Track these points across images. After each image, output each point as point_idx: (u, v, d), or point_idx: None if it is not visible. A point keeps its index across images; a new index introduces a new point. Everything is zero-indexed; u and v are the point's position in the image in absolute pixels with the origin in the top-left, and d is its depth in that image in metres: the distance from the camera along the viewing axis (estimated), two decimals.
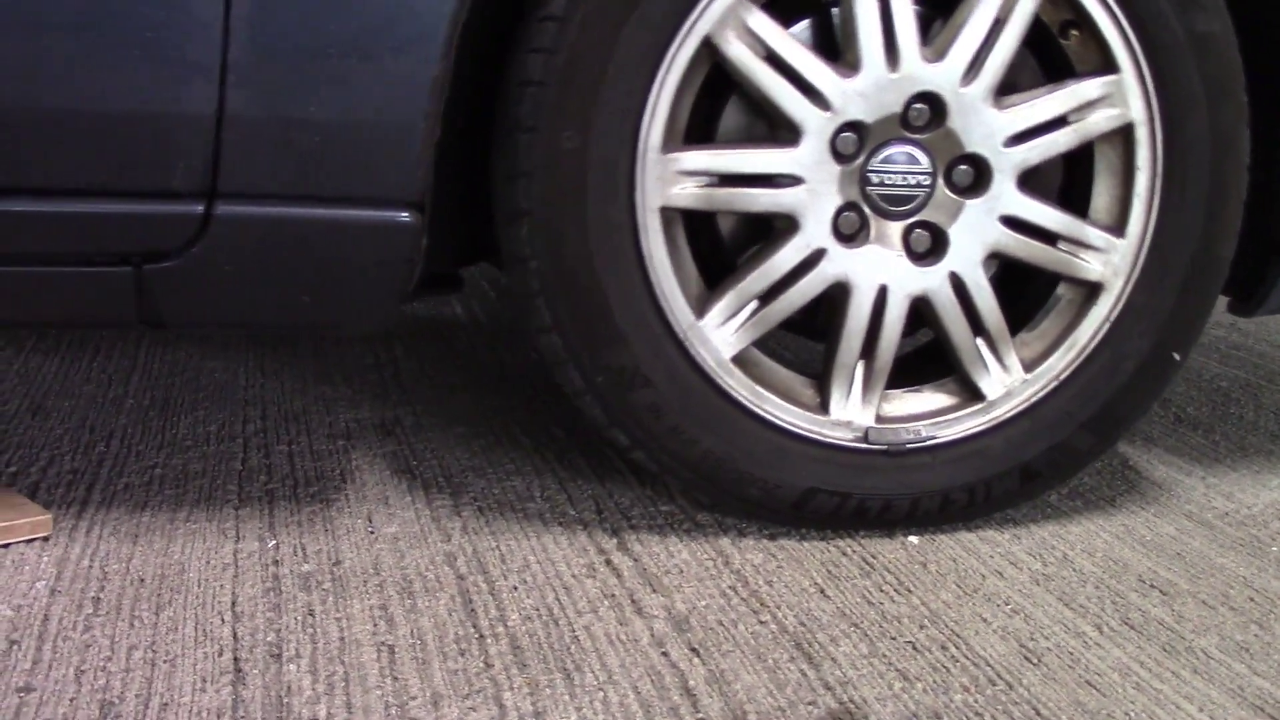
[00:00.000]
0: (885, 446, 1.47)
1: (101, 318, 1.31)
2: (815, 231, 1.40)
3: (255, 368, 2.05)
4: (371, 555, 1.40)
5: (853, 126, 1.38)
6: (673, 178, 1.36)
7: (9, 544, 1.39)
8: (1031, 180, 1.45)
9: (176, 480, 1.59)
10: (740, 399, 1.43)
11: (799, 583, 1.38)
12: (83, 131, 1.19)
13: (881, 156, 1.40)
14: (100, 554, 1.38)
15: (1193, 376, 2.22)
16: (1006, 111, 1.41)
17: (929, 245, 1.44)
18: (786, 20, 1.39)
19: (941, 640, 1.27)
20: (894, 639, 1.27)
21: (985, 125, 1.41)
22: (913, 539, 1.50)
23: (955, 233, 1.43)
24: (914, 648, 1.25)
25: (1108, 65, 1.43)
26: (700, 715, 1.12)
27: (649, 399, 1.40)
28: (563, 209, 1.33)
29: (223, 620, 1.25)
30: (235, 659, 1.18)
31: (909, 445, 1.48)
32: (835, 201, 1.40)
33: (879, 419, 1.48)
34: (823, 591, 1.36)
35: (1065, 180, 1.52)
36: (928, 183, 1.42)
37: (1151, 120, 1.44)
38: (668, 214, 1.38)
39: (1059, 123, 1.43)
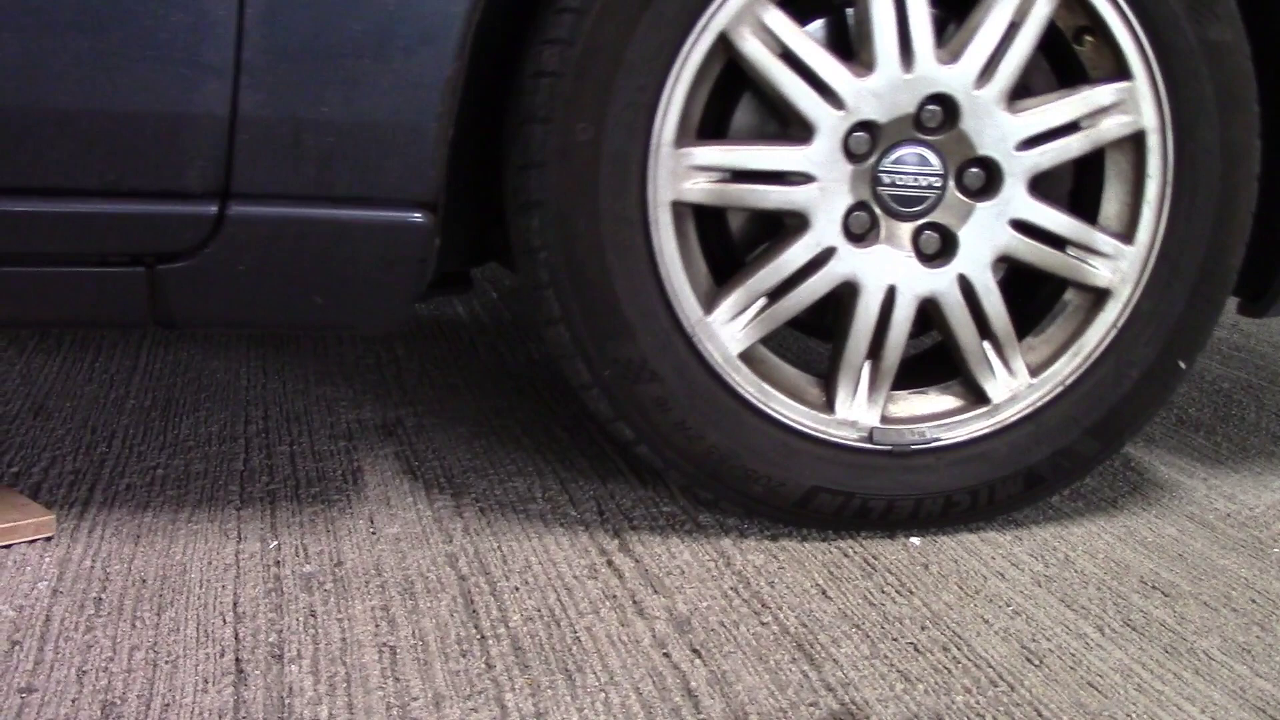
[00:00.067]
0: (890, 447, 1.47)
1: (114, 318, 1.32)
2: (825, 230, 1.40)
3: (257, 368, 2.05)
4: (373, 556, 1.40)
5: (865, 126, 1.38)
6: (685, 172, 1.36)
7: (11, 544, 1.39)
8: (1042, 185, 1.45)
9: (178, 481, 1.59)
10: (747, 395, 1.43)
11: (801, 584, 1.38)
12: (97, 132, 1.19)
13: (893, 157, 1.40)
14: (102, 555, 1.38)
15: (1194, 378, 2.22)
16: (1019, 115, 1.41)
17: (938, 247, 1.44)
18: (801, 19, 1.39)
19: (943, 641, 1.27)
20: (896, 640, 1.27)
21: (998, 128, 1.41)
22: (914, 540, 1.50)
23: (965, 235, 1.43)
24: (916, 649, 1.25)
25: (1121, 72, 1.43)
26: (702, 716, 1.12)
27: (655, 393, 1.40)
28: (574, 200, 1.34)
29: (224, 621, 1.25)
30: (237, 660, 1.18)
31: (913, 447, 1.48)
32: (846, 200, 1.40)
33: (884, 419, 1.48)
34: (824, 593, 1.36)
35: (1075, 186, 1.53)
36: (939, 184, 1.42)
37: (1163, 127, 1.44)
38: (679, 209, 1.38)
39: (1071, 128, 1.43)
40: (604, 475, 1.66)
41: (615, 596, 1.33)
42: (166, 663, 1.17)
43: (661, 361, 1.39)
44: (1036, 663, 1.24)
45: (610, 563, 1.41)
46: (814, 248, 1.40)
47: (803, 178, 1.38)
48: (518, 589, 1.34)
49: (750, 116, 1.44)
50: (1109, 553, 1.50)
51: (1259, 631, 1.32)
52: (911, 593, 1.37)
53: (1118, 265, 1.47)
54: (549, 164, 1.32)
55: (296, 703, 1.11)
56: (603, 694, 1.15)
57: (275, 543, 1.42)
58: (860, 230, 1.42)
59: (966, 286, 1.45)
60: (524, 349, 2.24)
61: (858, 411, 1.47)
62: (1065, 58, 1.47)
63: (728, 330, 1.41)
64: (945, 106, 1.40)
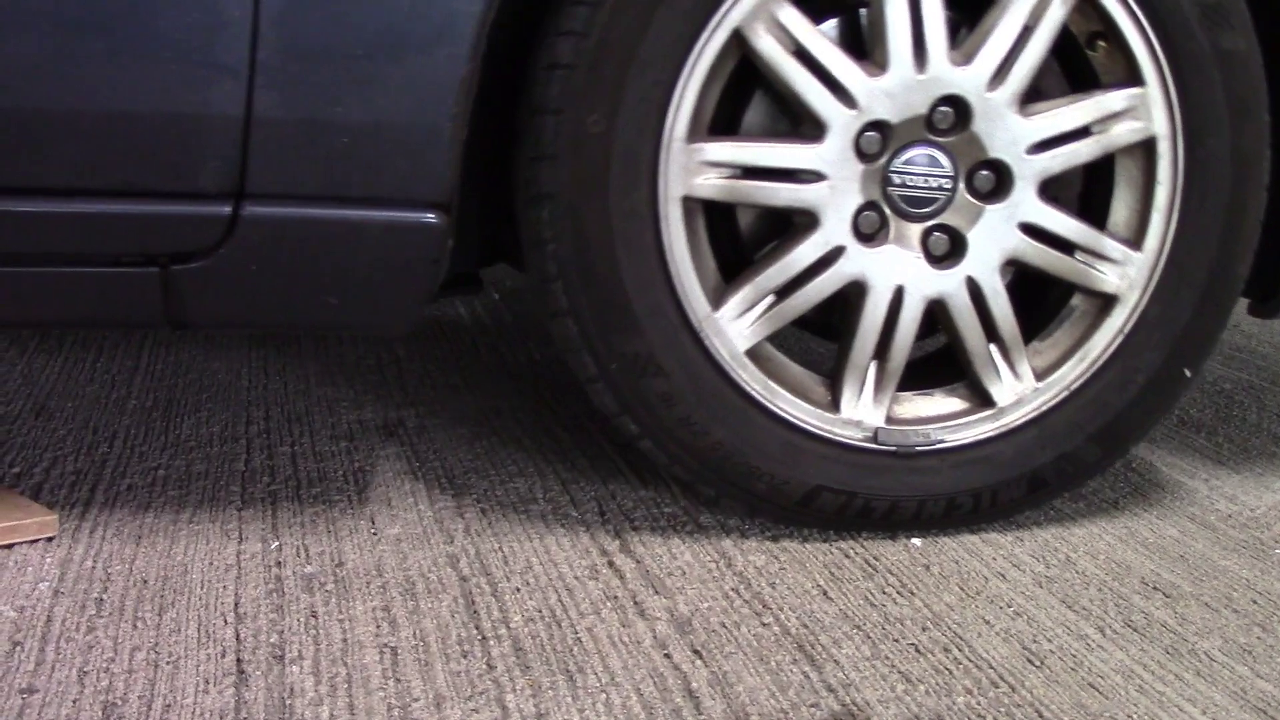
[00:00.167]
0: (894, 448, 1.47)
1: (128, 319, 1.32)
2: (835, 229, 1.40)
3: (258, 368, 2.05)
4: (374, 556, 1.40)
5: (877, 126, 1.39)
6: (696, 168, 1.36)
7: (13, 544, 1.39)
8: (1051, 189, 1.45)
9: (179, 481, 1.59)
10: (752, 392, 1.43)
11: (802, 585, 1.38)
12: (111, 132, 1.20)
13: (904, 157, 1.40)
14: (103, 555, 1.38)
15: (1196, 378, 2.22)
16: (1031, 119, 1.42)
17: (947, 248, 1.44)
18: (816, 18, 1.39)
19: (944, 642, 1.27)
20: (897, 641, 1.27)
21: (1009, 131, 1.41)
22: (915, 541, 1.50)
23: (974, 237, 1.43)
24: (917, 650, 1.25)
25: (1133, 78, 1.43)
26: (703, 717, 1.12)
27: (661, 388, 1.40)
28: (585, 193, 1.34)
29: (225, 622, 1.25)
30: (238, 660, 1.18)
31: (918, 448, 1.48)
32: (856, 200, 1.40)
33: (889, 420, 1.48)
34: (825, 593, 1.36)
35: (1084, 191, 1.53)
36: (949, 186, 1.42)
37: (1174, 135, 1.44)
38: (689, 204, 1.38)
39: (1082, 133, 1.44)
40: (605, 476, 1.66)
41: (616, 597, 1.33)
42: (168, 663, 1.17)
43: (668, 357, 1.39)
44: (1038, 664, 1.24)
45: (611, 563, 1.41)
46: (823, 246, 1.40)
47: (813, 176, 1.38)
48: (519, 590, 1.34)
49: (762, 114, 1.45)
50: (1110, 554, 1.49)
51: (1260, 632, 1.32)
52: (913, 594, 1.37)
53: (1126, 271, 1.48)
54: (560, 156, 1.32)
55: (298, 704, 1.11)
56: (604, 695, 1.15)
57: (276, 543, 1.42)
58: (870, 230, 1.42)
59: (974, 289, 1.45)
60: (525, 350, 2.25)
61: (863, 411, 1.47)
62: (1077, 63, 1.47)
63: (735, 327, 1.41)
64: (957, 108, 1.40)
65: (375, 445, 1.74)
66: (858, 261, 1.42)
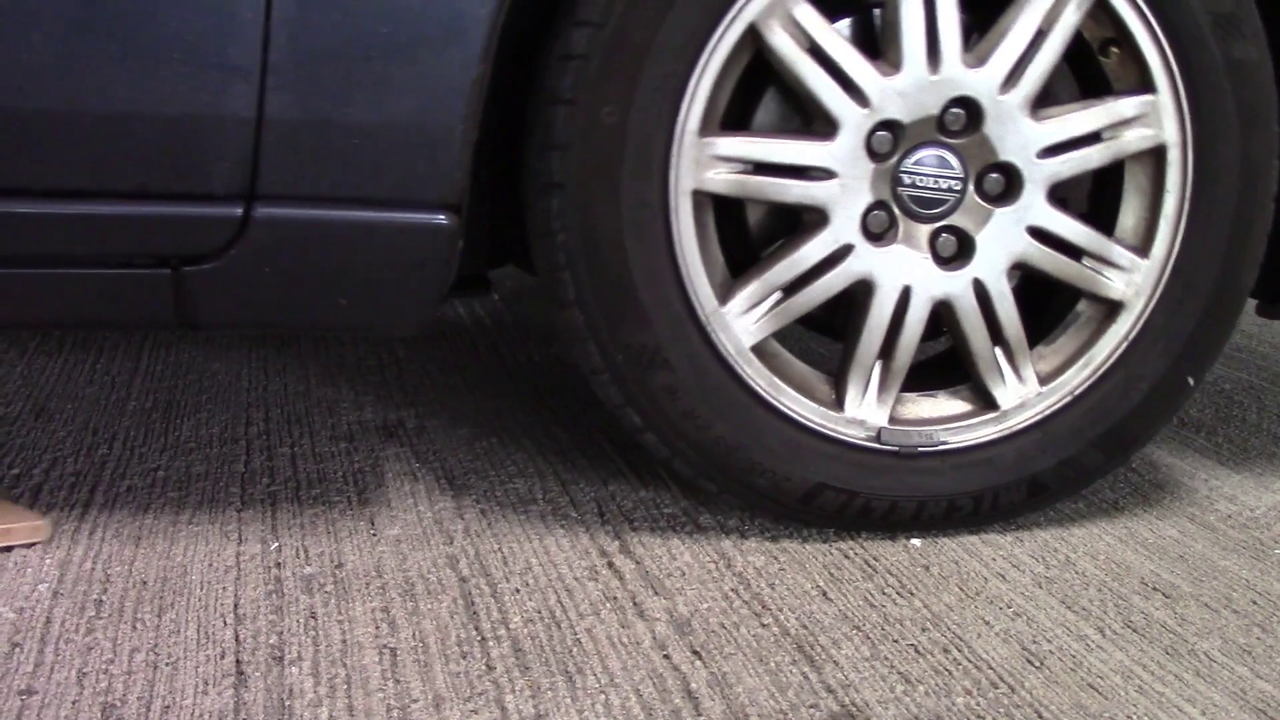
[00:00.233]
0: (896, 448, 1.47)
1: (139, 320, 1.32)
2: (844, 227, 1.40)
3: (258, 370, 2.05)
4: (374, 558, 1.40)
5: (889, 125, 1.39)
6: (707, 162, 1.37)
7: (11, 547, 1.39)
8: (1060, 194, 1.46)
9: (179, 483, 1.59)
10: (757, 388, 1.43)
11: (801, 585, 1.38)
12: (123, 134, 1.20)
13: (915, 158, 1.40)
14: (103, 556, 1.38)
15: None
16: (1042, 123, 1.42)
17: (955, 250, 1.45)
18: (830, 17, 1.39)
19: (944, 643, 1.27)
20: (896, 642, 1.27)
21: (1020, 135, 1.41)
22: (915, 542, 1.50)
23: (982, 240, 1.43)
24: (916, 650, 1.25)
25: (1145, 85, 1.44)
26: (702, 718, 1.12)
27: (666, 381, 1.40)
28: (596, 184, 1.34)
29: (225, 623, 1.25)
30: (237, 662, 1.18)
31: (920, 449, 1.48)
32: (866, 199, 1.40)
33: (892, 420, 1.48)
34: (825, 594, 1.36)
35: (1092, 197, 1.53)
36: (958, 188, 1.42)
37: (1184, 143, 1.45)
38: (699, 198, 1.38)
39: (1093, 138, 1.44)
40: (605, 477, 1.66)
41: (616, 598, 1.33)
42: (167, 664, 1.17)
43: (674, 350, 1.39)
44: (1037, 664, 1.24)
45: (611, 564, 1.41)
46: (831, 244, 1.41)
47: (824, 173, 1.38)
48: (518, 591, 1.34)
49: (774, 111, 1.45)
50: (1110, 554, 1.49)
51: (1260, 633, 1.32)
52: (912, 594, 1.37)
53: (1132, 278, 1.48)
54: (572, 146, 1.32)
55: (297, 705, 1.11)
56: (603, 696, 1.15)
57: (276, 544, 1.42)
58: (878, 229, 1.42)
59: (981, 291, 1.45)
60: (525, 351, 2.25)
61: (866, 411, 1.47)
62: (1089, 69, 1.47)
63: (742, 322, 1.41)
64: (969, 110, 1.40)
65: (375, 446, 1.74)
66: (866, 260, 1.42)
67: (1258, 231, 1.49)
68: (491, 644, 1.23)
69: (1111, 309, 1.49)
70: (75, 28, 1.17)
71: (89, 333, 2.21)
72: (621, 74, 1.31)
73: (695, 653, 1.23)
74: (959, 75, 1.38)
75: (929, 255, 1.44)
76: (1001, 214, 1.43)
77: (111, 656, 1.18)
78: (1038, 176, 1.43)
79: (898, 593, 1.37)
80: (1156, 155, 1.46)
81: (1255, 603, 1.39)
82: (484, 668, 1.19)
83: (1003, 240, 1.44)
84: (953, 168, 1.41)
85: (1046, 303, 1.56)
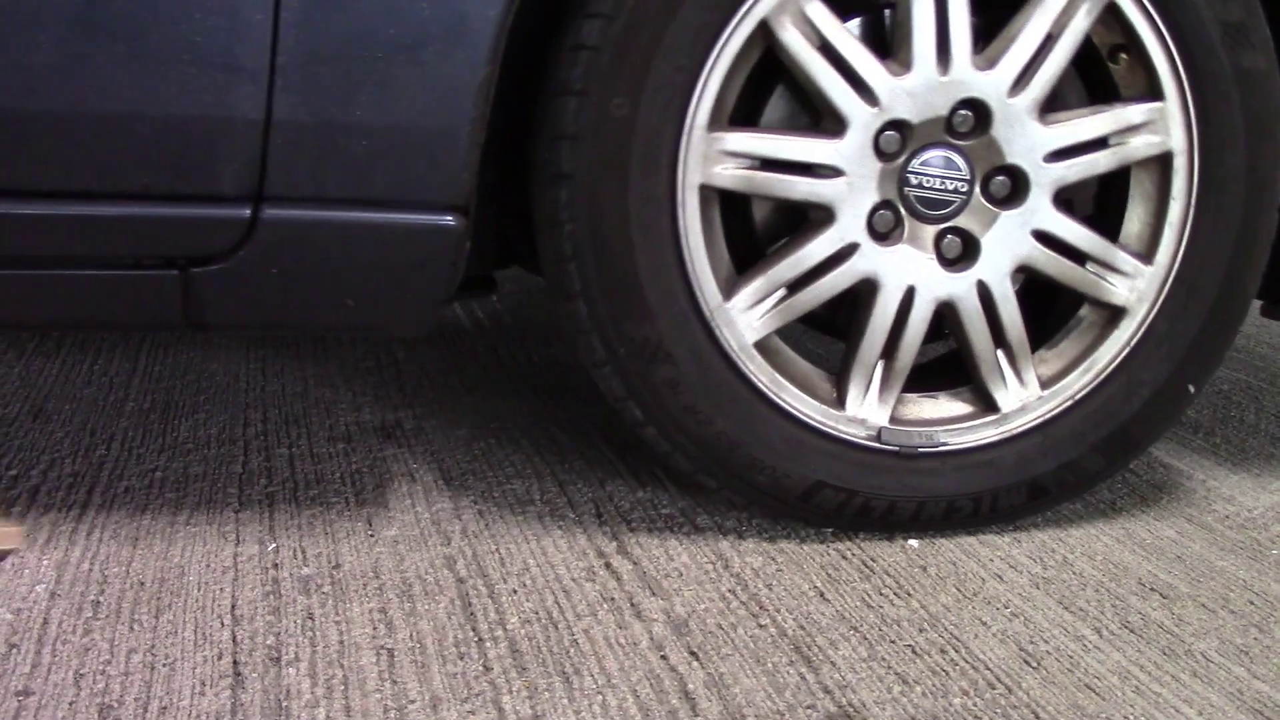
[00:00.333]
0: (897, 448, 1.47)
1: (147, 321, 1.33)
2: (850, 225, 1.40)
3: (256, 370, 2.05)
4: (371, 558, 1.40)
5: (897, 125, 1.39)
6: (716, 157, 1.37)
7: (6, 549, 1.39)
8: (1065, 198, 1.46)
9: (177, 483, 1.59)
10: (759, 384, 1.43)
11: (798, 586, 1.38)
12: (132, 136, 1.20)
13: (922, 159, 1.41)
14: (100, 557, 1.38)
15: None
16: (1050, 127, 1.42)
17: (960, 251, 1.45)
18: (841, 17, 1.39)
19: (941, 644, 1.27)
20: (893, 642, 1.27)
21: (1028, 138, 1.41)
22: (912, 542, 1.50)
23: (987, 242, 1.44)
24: (913, 651, 1.25)
25: (1153, 92, 1.44)
26: (699, 719, 1.12)
27: (669, 375, 1.40)
28: (604, 176, 1.34)
29: (222, 624, 1.25)
30: (234, 662, 1.18)
31: (920, 449, 1.48)
32: (872, 198, 1.40)
33: (893, 420, 1.48)
34: (822, 595, 1.36)
35: (1097, 203, 1.53)
36: (965, 189, 1.42)
37: (1191, 151, 1.45)
38: (706, 193, 1.38)
39: (1100, 144, 1.44)
40: (603, 478, 1.66)
41: (613, 599, 1.33)
42: (164, 665, 1.17)
43: (677, 344, 1.40)
44: (1034, 665, 1.24)
45: (608, 565, 1.41)
46: (837, 242, 1.41)
47: (831, 171, 1.39)
48: (515, 591, 1.34)
49: (782, 108, 1.45)
50: (1107, 554, 1.49)
51: (1257, 633, 1.32)
52: (909, 595, 1.37)
53: (1135, 284, 1.48)
54: (582, 137, 1.33)
55: (294, 705, 1.11)
56: (600, 696, 1.15)
57: (273, 545, 1.42)
58: (884, 229, 1.42)
59: (985, 293, 1.45)
60: (523, 352, 2.25)
61: (868, 410, 1.47)
62: (1098, 75, 1.48)
63: (745, 318, 1.42)
64: (978, 112, 1.41)
65: (373, 447, 1.74)
66: (871, 259, 1.42)
67: (1262, 240, 1.49)
68: (489, 645, 1.23)
69: (1114, 314, 1.49)
70: (83, 29, 1.17)
71: (88, 334, 2.21)
72: (632, 66, 1.32)
73: (692, 653, 1.23)
74: (968, 77, 1.39)
75: (934, 256, 1.44)
76: (1007, 217, 1.44)
77: (109, 657, 1.18)
78: (1044, 180, 1.43)
79: (895, 593, 1.37)
80: (1163, 162, 1.46)
81: (1252, 603, 1.39)
82: (481, 668, 1.19)
83: (1008, 243, 1.44)
84: (960, 169, 1.42)
85: (1049, 306, 1.56)
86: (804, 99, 1.42)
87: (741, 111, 1.42)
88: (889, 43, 1.42)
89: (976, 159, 1.42)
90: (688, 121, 1.35)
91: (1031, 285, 1.51)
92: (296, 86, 1.21)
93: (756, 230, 1.49)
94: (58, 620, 1.25)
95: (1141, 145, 1.45)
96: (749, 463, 1.45)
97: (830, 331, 1.63)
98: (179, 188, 1.22)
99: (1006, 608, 1.35)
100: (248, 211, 1.24)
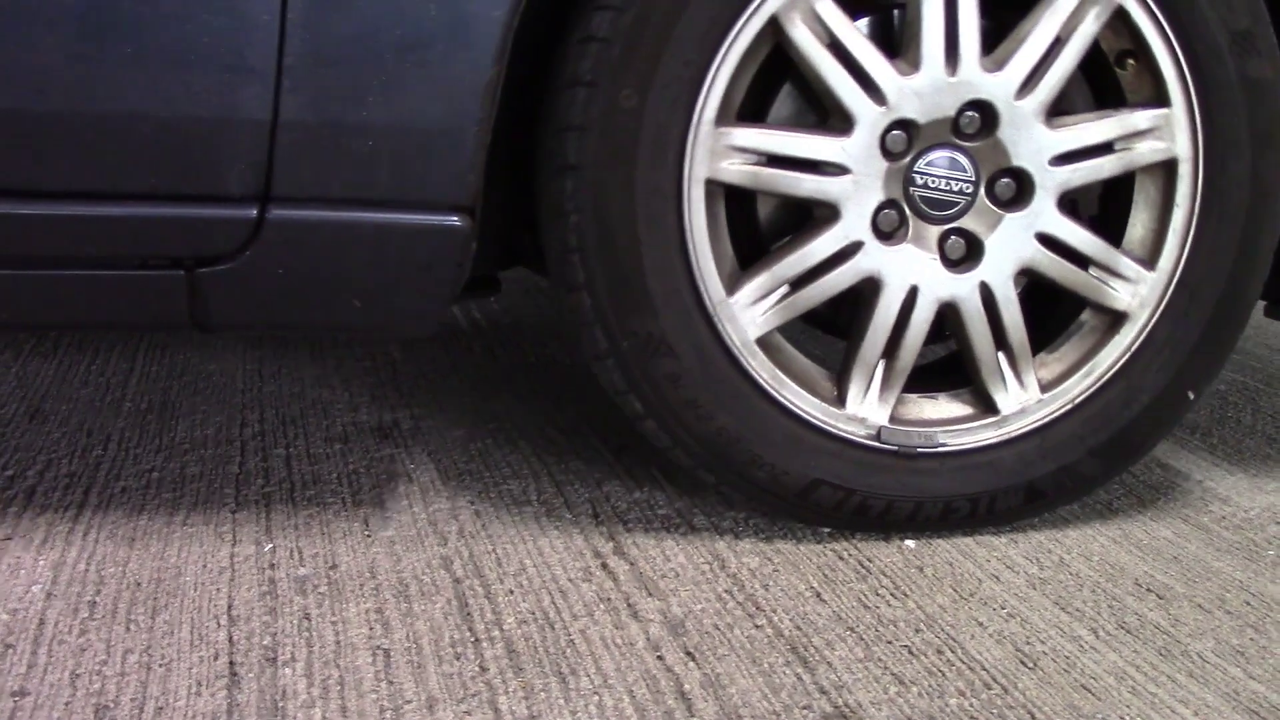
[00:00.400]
0: (896, 447, 1.47)
1: (153, 321, 1.33)
2: (855, 224, 1.41)
3: (253, 371, 2.05)
4: (368, 559, 1.40)
5: (904, 125, 1.39)
6: (722, 151, 1.37)
7: (4, 549, 1.39)
8: (1069, 202, 1.46)
9: (173, 484, 1.59)
10: (760, 380, 1.43)
11: (795, 586, 1.38)
12: (139, 136, 1.20)
13: (928, 159, 1.41)
14: (96, 558, 1.38)
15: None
16: (1056, 131, 1.42)
17: (963, 253, 1.45)
18: (851, 14, 1.40)
19: (937, 644, 1.27)
20: (890, 643, 1.27)
21: (1034, 141, 1.41)
22: (909, 543, 1.50)
23: (991, 244, 1.44)
24: (910, 652, 1.25)
25: (1160, 99, 1.44)
26: (695, 719, 1.12)
27: (670, 369, 1.40)
28: (611, 167, 1.34)
29: (218, 624, 1.25)
30: (231, 663, 1.18)
31: (919, 449, 1.48)
32: (878, 197, 1.41)
33: (893, 419, 1.48)
34: (819, 595, 1.36)
35: (1100, 208, 1.54)
36: (970, 191, 1.42)
37: (1196, 158, 1.45)
38: (711, 187, 1.38)
39: (1105, 149, 1.44)
40: (599, 478, 1.66)
41: (609, 599, 1.33)
42: (160, 666, 1.17)
43: (680, 338, 1.40)
44: (1030, 665, 1.24)
45: (605, 565, 1.41)
46: (842, 240, 1.41)
47: (837, 169, 1.39)
48: (512, 592, 1.34)
49: (790, 105, 1.45)
50: (1104, 555, 1.50)
51: (1253, 634, 1.32)
52: (906, 595, 1.37)
53: (1137, 290, 1.48)
54: (589, 129, 1.33)
55: (290, 706, 1.11)
56: (596, 697, 1.15)
57: (270, 546, 1.42)
58: (888, 228, 1.42)
59: (987, 295, 1.45)
60: (520, 353, 2.25)
61: (868, 409, 1.47)
62: (1104, 80, 1.48)
63: (748, 314, 1.42)
64: (984, 114, 1.41)
65: (370, 448, 1.74)
66: (875, 258, 1.42)
67: (1264, 248, 1.49)
68: (485, 645, 1.23)
69: (1116, 319, 1.50)
70: (90, 30, 1.17)
71: (88, 334, 2.21)
72: (642, 59, 1.32)
73: (689, 654, 1.23)
74: (976, 78, 1.39)
75: (937, 256, 1.44)
76: (1011, 219, 1.44)
77: (105, 658, 1.18)
78: (1049, 183, 1.43)
79: (891, 594, 1.37)
80: (1167, 169, 1.47)
81: (1248, 604, 1.39)
82: (477, 669, 1.19)
83: (1011, 245, 1.44)
84: (965, 170, 1.42)
85: (1051, 310, 1.56)
86: (811, 96, 1.42)
87: (749, 107, 1.42)
88: (897, 42, 1.42)
89: (982, 160, 1.42)
90: (695, 115, 1.35)
91: (1033, 289, 1.51)
92: (303, 87, 1.21)
93: (761, 226, 1.49)
94: (54, 620, 1.25)
95: (1147, 151, 1.45)
96: (748, 459, 1.45)
97: (831, 330, 1.63)
98: (185, 188, 1.23)
99: (1003, 608, 1.35)
100: (254, 212, 1.24)
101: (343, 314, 1.32)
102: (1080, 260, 1.47)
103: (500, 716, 1.11)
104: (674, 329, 1.39)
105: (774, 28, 1.35)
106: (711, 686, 1.18)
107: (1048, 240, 1.45)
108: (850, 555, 1.46)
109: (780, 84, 1.45)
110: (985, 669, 1.23)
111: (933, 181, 1.42)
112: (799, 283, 1.42)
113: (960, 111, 1.40)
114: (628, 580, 1.38)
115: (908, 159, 1.41)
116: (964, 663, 1.24)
